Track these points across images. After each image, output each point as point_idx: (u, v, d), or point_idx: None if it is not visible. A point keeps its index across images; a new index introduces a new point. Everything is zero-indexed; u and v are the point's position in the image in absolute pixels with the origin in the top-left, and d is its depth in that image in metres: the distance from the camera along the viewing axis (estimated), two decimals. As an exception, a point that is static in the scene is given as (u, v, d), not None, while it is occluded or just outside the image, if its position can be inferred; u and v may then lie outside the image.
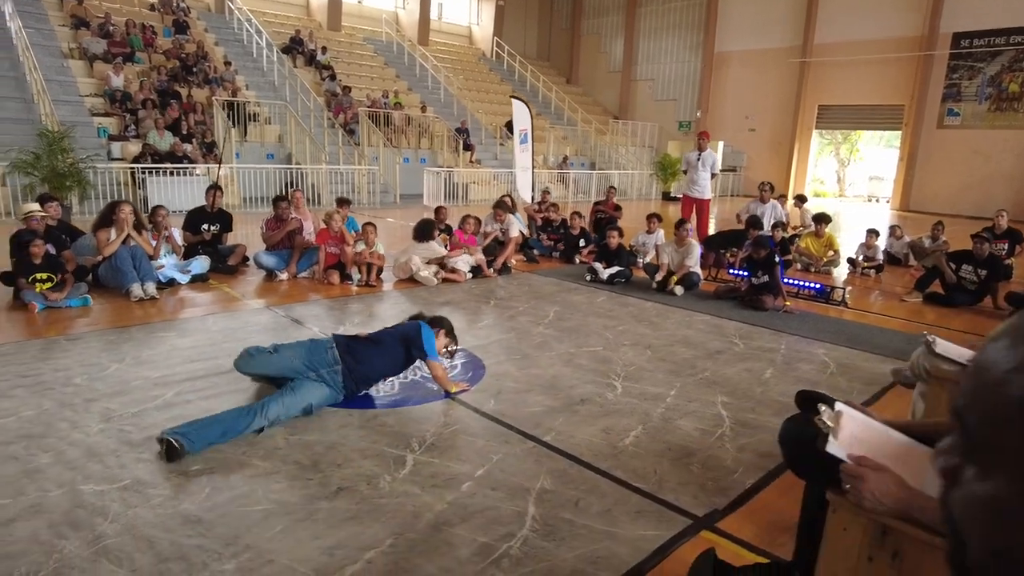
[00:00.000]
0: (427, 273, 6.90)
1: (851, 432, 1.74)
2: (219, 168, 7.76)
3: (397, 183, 15.58)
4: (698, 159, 9.98)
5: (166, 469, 2.95)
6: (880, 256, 8.94)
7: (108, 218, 6.14)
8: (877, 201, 23.93)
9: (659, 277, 7.04)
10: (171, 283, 6.31)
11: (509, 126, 20.38)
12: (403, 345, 3.76)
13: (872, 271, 8.69)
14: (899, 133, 20.22)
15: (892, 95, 19.50)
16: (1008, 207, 10.75)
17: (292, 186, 12.89)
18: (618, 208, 10.19)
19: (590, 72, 27.22)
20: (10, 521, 2.53)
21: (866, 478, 1.55)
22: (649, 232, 8.64)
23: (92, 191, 10.35)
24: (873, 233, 8.87)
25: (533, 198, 11.44)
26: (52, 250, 5.65)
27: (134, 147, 12.52)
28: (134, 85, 13.86)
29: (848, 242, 10.00)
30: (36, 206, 6.02)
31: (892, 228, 9.82)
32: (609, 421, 3.65)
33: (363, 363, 3.65)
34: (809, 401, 3.30)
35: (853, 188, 26.72)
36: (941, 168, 18.87)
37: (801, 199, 12.14)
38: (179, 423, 3.38)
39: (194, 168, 12.36)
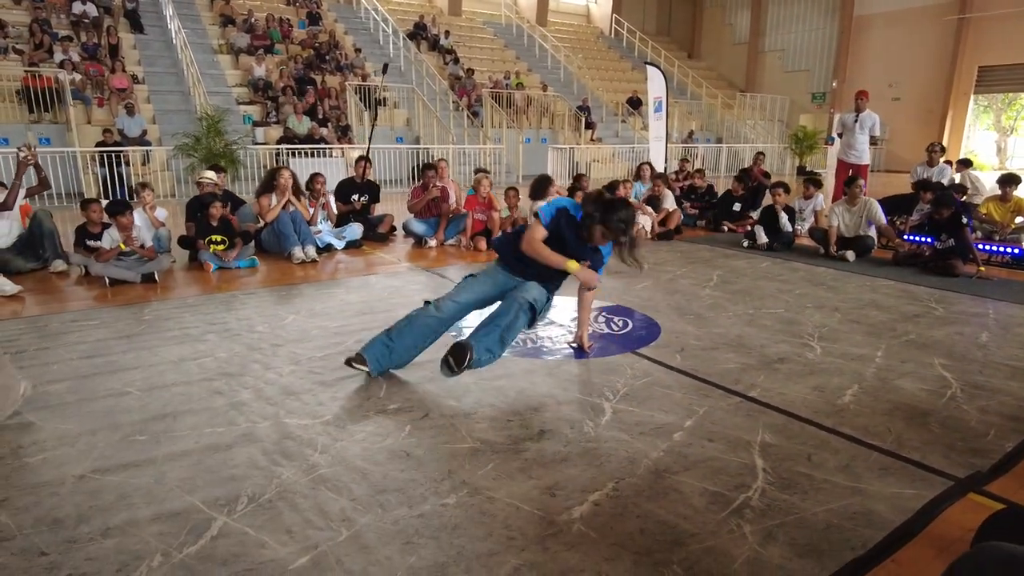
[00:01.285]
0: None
1: None
2: (369, 140, 7.90)
3: (520, 163, 15.52)
4: (855, 120, 9.15)
5: (364, 407, 2.92)
6: (1084, 221, 7.77)
7: (270, 184, 6.39)
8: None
9: (832, 242, 6.43)
10: (328, 248, 6.48)
11: (631, 102, 19.88)
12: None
13: (1073, 238, 7.57)
14: (1080, 94, 17.84)
15: (1073, 50, 17.20)
16: None
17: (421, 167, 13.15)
18: (767, 175, 9.52)
19: (714, 45, 26.01)
20: (228, 447, 2.56)
21: None
22: (807, 198, 8.01)
23: (242, 170, 10.96)
24: (1074, 195, 7.73)
25: (666, 169, 10.96)
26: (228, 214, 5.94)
27: (275, 132, 13.19)
28: (274, 74, 14.61)
29: None
30: (211, 173, 6.38)
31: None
32: (818, 379, 3.28)
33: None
34: None
35: (1016, 160, 23.91)
36: None
37: (966, 163, 10.90)
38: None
39: (330, 150, 12.84)
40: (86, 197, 6.66)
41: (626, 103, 19.85)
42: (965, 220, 6.12)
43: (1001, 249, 6.40)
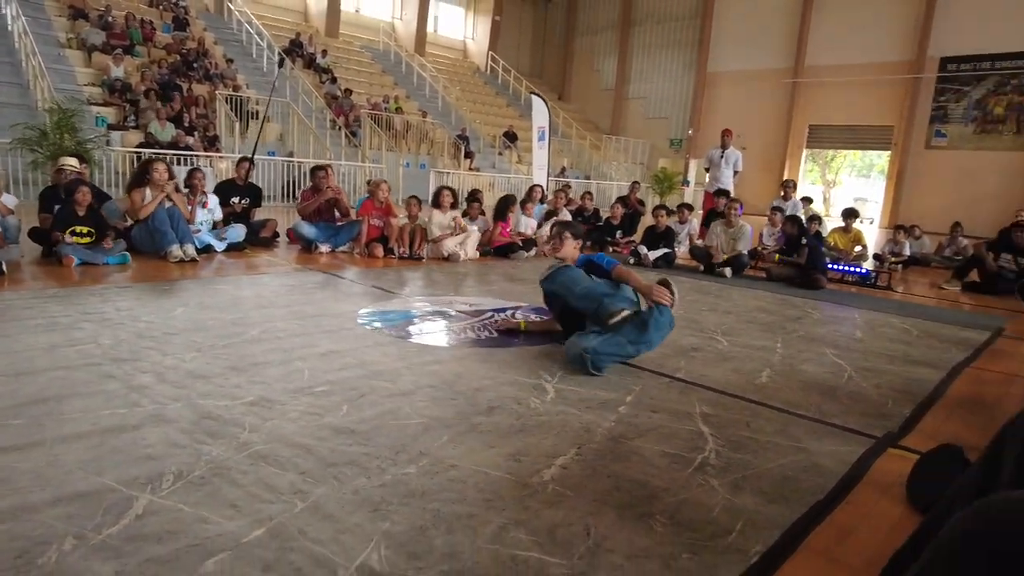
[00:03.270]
0: (460, 252, 6.68)
1: None
2: (256, 142, 7.45)
3: (400, 187, 15.32)
4: (721, 156, 10.05)
5: (288, 390, 2.66)
6: (907, 252, 8.98)
7: (142, 178, 5.80)
8: (862, 221, 24.34)
9: (716, 260, 6.92)
10: (207, 249, 5.96)
11: (507, 136, 20.42)
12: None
13: (899, 266, 8.70)
14: (886, 154, 20.71)
15: (882, 116, 19.99)
16: (995, 226, 10.86)
17: (295, 182, 12.67)
18: (642, 203, 10.12)
19: (583, 89, 27.45)
20: (135, 428, 2.22)
21: None
22: (681, 222, 8.57)
23: (97, 173, 9.89)
24: (901, 230, 8.92)
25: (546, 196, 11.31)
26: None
27: (135, 137, 12.09)
28: (135, 77, 13.46)
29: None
30: (74, 160, 5.68)
31: (911, 228, 9.89)
32: (733, 364, 3.46)
33: None
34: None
35: (837, 209, 27.26)
36: (929, 188, 19.31)
37: (807, 200, 12.29)
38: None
39: (197, 159, 11.97)
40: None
41: (503, 136, 20.36)
42: (804, 240, 6.87)
43: (850, 269, 7.20)
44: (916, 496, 2.02)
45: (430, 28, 24.56)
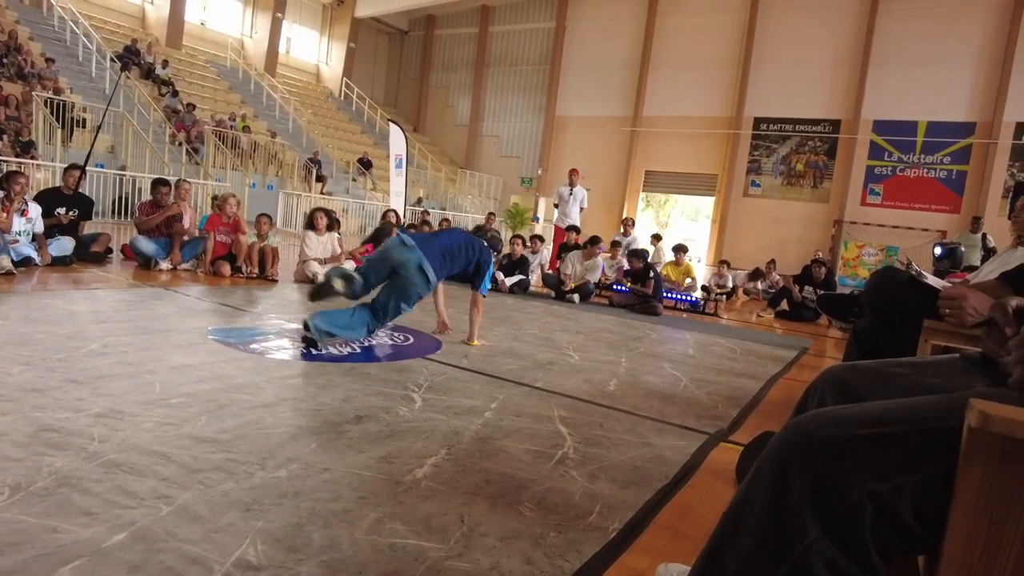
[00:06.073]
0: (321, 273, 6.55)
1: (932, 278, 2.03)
2: (91, 150, 6.84)
3: (247, 207, 14.60)
4: (570, 194, 10.70)
5: (142, 401, 2.51)
6: (730, 284, 10.07)
7: (-54, 181, 5.13)
8: (691, 259, 26.75)
9: (567, 287, 7.35)
10: (26, 262, 5.35)
11: (362, 162, 20.21)
12: (473, 265, 4.17)
13: (723, 296, 9.72)
14: (711, 200, 23.05)
15: (707, 165, 22.27)
16: (799, 264, 12.56)
17: (128, 198, 11.70)
18: (498, 233, 10.48)
19: (437, 123, 27.87)
20: (-44, 443, 1.99)
21: (967, 295, 1.79)
22: (534, 252, 8.99)
23: None
24: (724, 264, 9.99)
25: (401, 221, 11.37)
26: None
27: (-76, 136, 10.56)
28: (-73, 68, 11.80)
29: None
30: None
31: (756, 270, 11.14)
32: (584, 376, 3.73)
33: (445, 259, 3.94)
34: (836, 300, 3.72)
35: (667, 247, 29.71)
36: (746, 231, 21.71)
37: (657, 237, 13.40)
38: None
39: (6, 164, 10.65)
40: None
41: (357, 162, 20.12)
42: (652, 273, 7.54)
43: (682, 297, 7.95)
44: (743, 477, 2.33)
45: (282, 49, 23.84)
